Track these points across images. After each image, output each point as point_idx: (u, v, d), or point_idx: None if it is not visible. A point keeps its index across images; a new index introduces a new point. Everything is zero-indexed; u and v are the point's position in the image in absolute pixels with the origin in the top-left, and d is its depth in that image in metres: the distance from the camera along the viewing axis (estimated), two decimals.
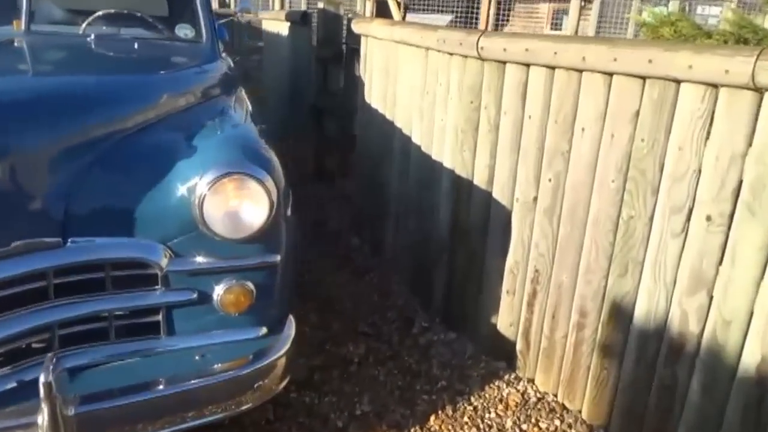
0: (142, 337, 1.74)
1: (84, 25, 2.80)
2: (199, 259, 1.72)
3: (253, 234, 1.73)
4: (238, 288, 1.78)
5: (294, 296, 2.10)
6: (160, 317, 1.75)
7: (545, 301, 2.29)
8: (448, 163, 2.66)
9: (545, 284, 2.27)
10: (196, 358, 1.76)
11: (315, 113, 5.02)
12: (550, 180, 2.18)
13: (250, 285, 1.80)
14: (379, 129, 3.38)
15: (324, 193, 4.70)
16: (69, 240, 1.60)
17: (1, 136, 1.52)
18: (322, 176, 5.00)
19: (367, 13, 5.20)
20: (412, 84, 2.95)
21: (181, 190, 1.67)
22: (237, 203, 1.68)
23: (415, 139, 2.94)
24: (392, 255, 3.35)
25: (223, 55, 3.13)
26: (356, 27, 3.61)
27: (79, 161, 1.66)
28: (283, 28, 5.85)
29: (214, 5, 8.42)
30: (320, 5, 4.73)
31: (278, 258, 1.82)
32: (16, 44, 2.46)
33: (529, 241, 2.31)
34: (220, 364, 1.77)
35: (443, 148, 2.69)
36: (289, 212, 1.83)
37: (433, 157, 2.78)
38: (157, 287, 1.71)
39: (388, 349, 2.68)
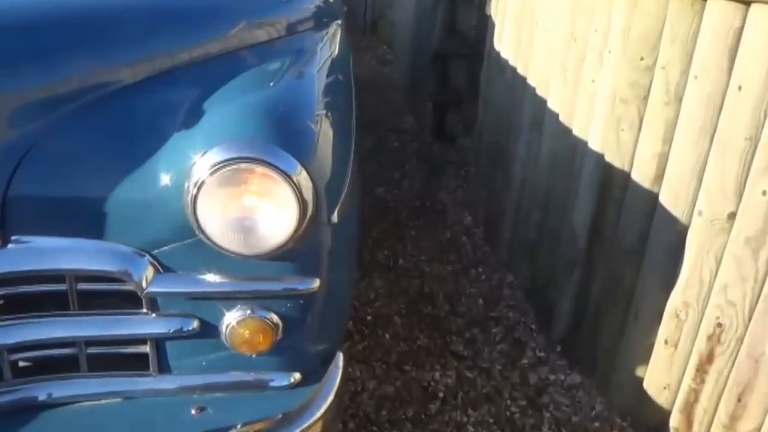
0: (123, 372, 1.25)
1: None
2: (202, 277, 1.18)
3: (273, 249, 1.14)
4: (254, 322, 1.21)
5: (343, 326, 1.52)
6: (147, 348, 1.24)
7: (728, 372, 1.51)
8: (595, 144, 1.88)
9: (732, 347, 1.48)
10: (192, 412, 1.24)
11: (439, 60, 4.29)
12: (765, 193, 1.36)
13: (274, 318, 1.23)
14: (508, 86, 2.61)
15: (441, 156, 4.03)
16: (11, 238, 1.11)
17: None
18: (441, 135, 4.32)
19: None
20: (554, 28, 2.14)
21: (172, 175, 1.11)
22: (242, 206, 1.10)
23: (552, 105, 2.17)
24: (508, 249, 2.64)
25: None
26: None
27: (41, 119, 1.16)
28: None
29: None
30: None
31: (316, 284, 1.22)
32: None
33: (713, 279, 1.51)
34: (228, 425, 1.24)
35: (591, 121, 1.90)
36: (334, 218, 1.21)
37: (575, 132, 2.01)
38: (141, 311, 1.20)
39: (485, 382, 2.03)
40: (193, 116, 1.18)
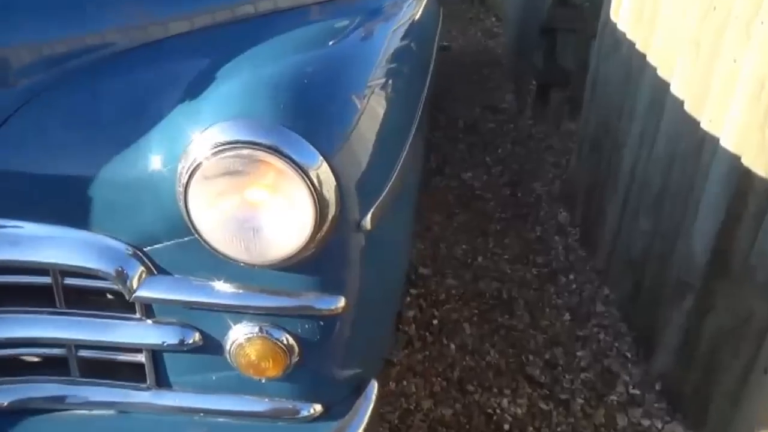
0: (117, 382, 1.07)
1: None
2: (200, 283, 0.96)
3: (284, 258, 0.90)
4: (260, 342, 0.99)
5: (381, 351, 1.26)
6: (143, 358, 1.05)
7: None
8: (730, 142, 1.47)
9: None
10: None
11: (547, 34, 3.85)
12: None
13: (288, 339, 1.00)
14: (623, 64, 2.20)
15: (540, 140, 3.63)
16: None
17: None
18: (543, 117, 3.90)
19: None
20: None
21: (162, 157, 0.89)
22: (244, 201, 0.86)
23: (676, 87, 1.76)
24: (607, 257, 2.26)
25: None
26: None
27: (23, 81, 0.97)
28: None
29: None
30: None
31: (340, 303, 0.97)
32: None
33: None
34: None
35: (726, 111, 1.49)
36: (367, 223, 0.94)
37: (704, 124, 1.60)
38: (134, 315, 1.01)
39: (562, 418, 1.71)
40: (203, 85, 0.95)
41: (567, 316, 2.12)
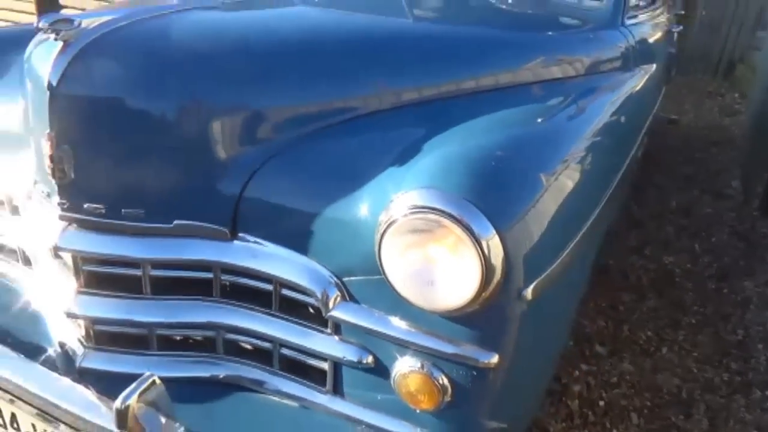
0: (305, 381, 1.31)
1: None
2: (380, 315, 1.15)
3: (451, 310, 1.05)
4: (420, 377, 1.15)
5: (527, 414, 1.32)
6: (327, 366, 1.27)
7: None
8: None
9: None
10: None
11: None
12: None
13: (443, 380, 1.14)
14: None
15: (763, 235, 3.30)
16: (239, 234, 1.25)
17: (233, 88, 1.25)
18: None
19: None
20: None
21: (368, 208, 1.11)
22: (425, 256, 1.02)
23: None
24: None
25: (632, 21, 2.28)
26: None
27: (287, 133, 1.28)
28: None
29: None
30: None
31: (494, 359, 1.08)
32: None
33: None
34: None
35: None
36: (528, 294, 1.05)
37: None
38: (326, 330, 1.23)
39: None
40: (411, 155, 1.16)
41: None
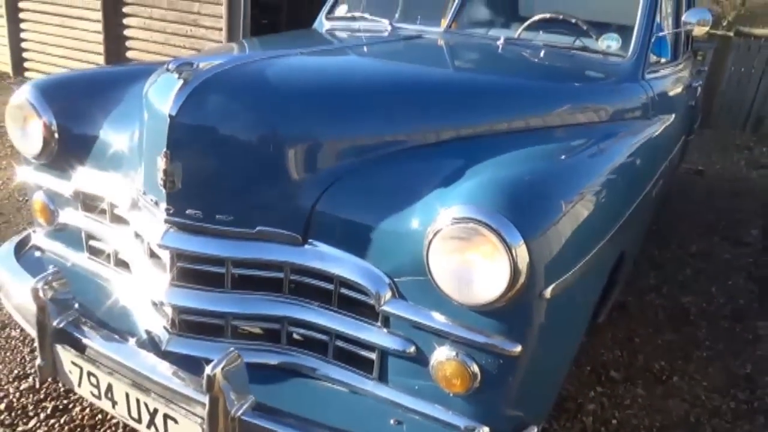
0: (354, 369, 1.54)
1: (519, 30, 2.63)
2: (424, 310, 1.40)
3: (483, 304, 1.29)
4: (455, 364, 1.38)
5: (546, 404, 1.53)
6: (374, 356, 1.51)
7: None
8: None
9: None
10: (391, 422, 1.46)
11: None
12: None
13: (474, 367, 1.37)
14: None
15: None
16: (309, 240, 1.51)
17: (318, 121, 1.55)
18: None
19: None
20: None
21: (419, 221, 1.37)
22: (465, 259, 1.27)
23: None
24: None
25: (652, 75, 2.53)
26: None
27: (351, 161, 1.55)
28: None
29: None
30: None
31: (518, 348, 1.32)
32: (419, 40, 2.50)
33: None
34: None
35: None
36: (547, 293, 1.29)
37: None
38: (377, 323, 1.48)
39: None
40: (455, 178, 1.43)
41: None
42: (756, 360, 2.65)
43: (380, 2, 2.98)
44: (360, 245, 1.45)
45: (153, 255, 1.69)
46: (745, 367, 2.60)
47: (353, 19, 2.82)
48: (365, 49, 2.36)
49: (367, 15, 2.78)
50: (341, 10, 2.93)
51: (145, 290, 1.71)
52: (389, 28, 2.62)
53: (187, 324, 1.63)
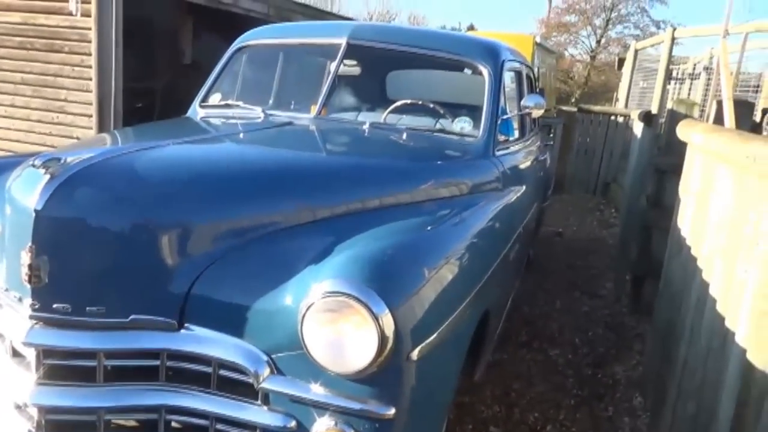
0: None
1: (385, 114, 2.84)
2: (302, 383, 1.45)
3: (356, 372, 1.37)
4: None
5: None
6: None
7: None
8: (740, 342, 1.76)
9: None
10: None
11: (645, 231, 4.21)
12: None
13: None
14: (682, 265, 2.54)
15: (631, 328, 3.85)
16: (185, 324, 1.53)
17: (185, 207, 1.60)
18: (638, 305, 4.12)
19: (712, 118, 4.19)
20: (720, 214, 2.11)
21: (292, 297, 1.44)
22: (337, 330, 1.36)
23: (712, 291, 2.08)
24: None
25: (502, 152, 2.84)
26: (680, 131, 2.85)
27: (226, 244, 1.61)
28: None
29: None
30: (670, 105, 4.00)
31: (391, 411, 1.40)
32: (290, 127, 2.65)
33: None
34: None
35: (737, 316, 1.80)
36: (414, 355, 1.40)
37: (727, 323, 1.89)
38: (257, 402, 1.51)
39: None
40: (325, 255, 1.53)
41: None
42: (616, 402, 2.92)
43: (253, 91, 3.12)
44: (237, 325, 1.50)
45: (16, 354, 1.61)
46: (607, 410, 2.85)
47: (227, 106, 2.93)
48: (239, 136, 2.46)
49: (240, 103, 2.90)
50: (215, 98, 3.03)
51: (6, 393, 1.62)
52: (262, 115, 2.75)
53: (56, 424, 1.55)
